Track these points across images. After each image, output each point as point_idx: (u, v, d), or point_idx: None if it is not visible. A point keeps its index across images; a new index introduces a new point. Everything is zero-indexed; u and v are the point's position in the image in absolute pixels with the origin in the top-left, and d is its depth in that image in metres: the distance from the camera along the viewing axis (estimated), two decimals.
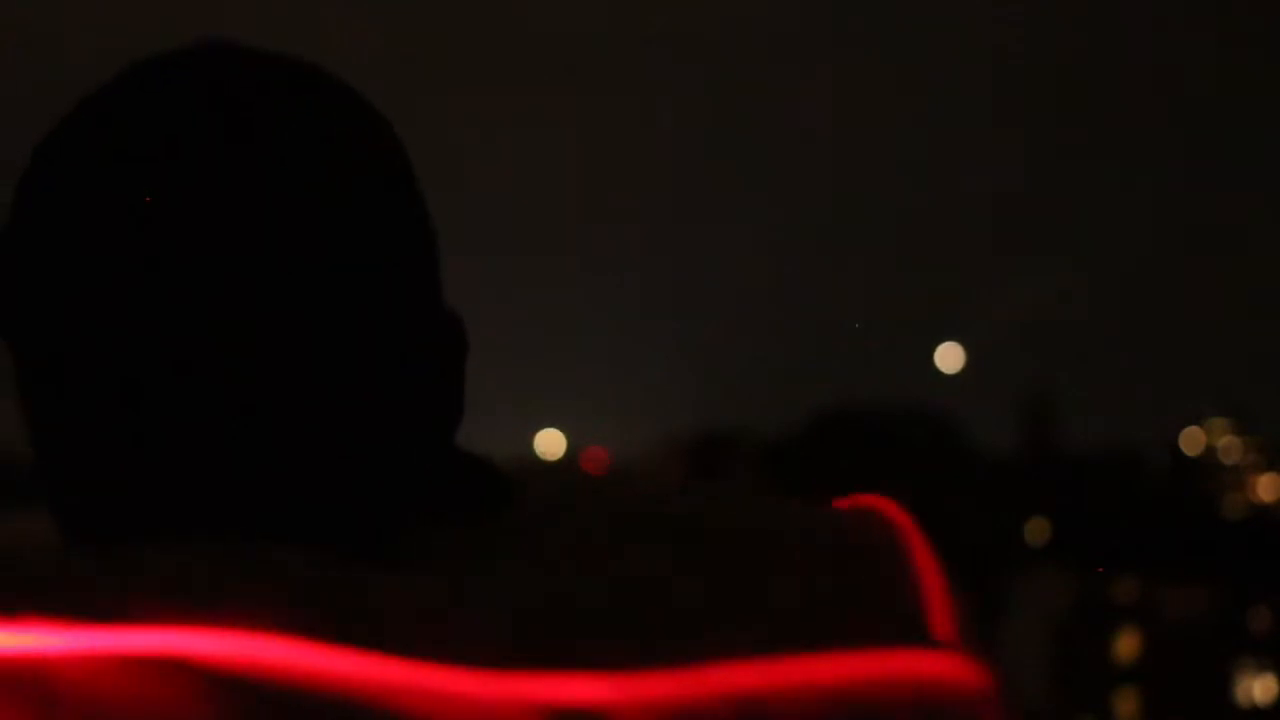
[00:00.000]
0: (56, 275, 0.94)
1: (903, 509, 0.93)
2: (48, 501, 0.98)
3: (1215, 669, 30.31)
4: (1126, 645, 30.81)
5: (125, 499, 0.93)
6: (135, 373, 0.92)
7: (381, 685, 0.81)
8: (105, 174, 0.94)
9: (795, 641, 0.82)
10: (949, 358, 36.04)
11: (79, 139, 0.97)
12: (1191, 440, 43.71)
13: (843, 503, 0.96)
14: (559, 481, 0.97)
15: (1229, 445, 43.75)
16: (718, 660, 0.81)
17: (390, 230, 0.96)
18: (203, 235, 0.92)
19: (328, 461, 0.93)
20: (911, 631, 0.85)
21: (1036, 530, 33.23)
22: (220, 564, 0.85)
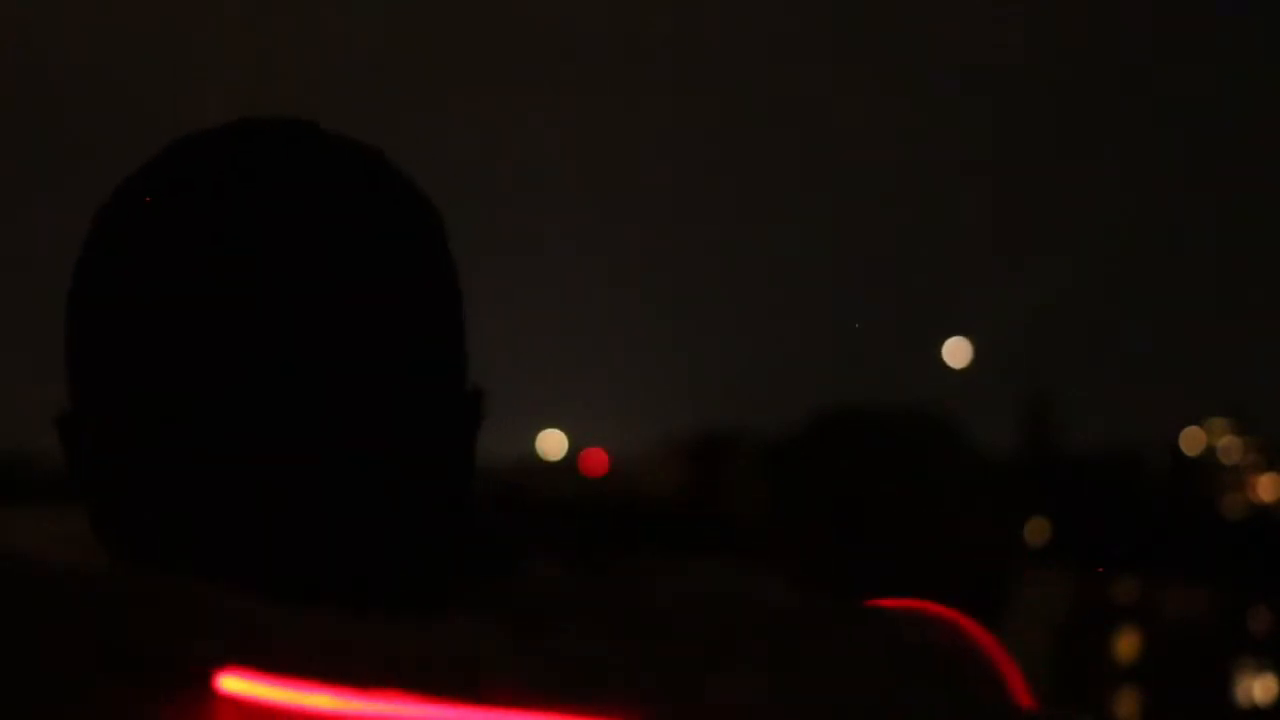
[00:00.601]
0: (118, 345, 1.03)
1: (958, 612, 1.02)
2: (94, 528, 1.05)
3: (1215, 669, 30.29)
4: (1126, 645, 30.80)
5: (169, 554, 1.01)
6: (179, 448, 1.01)
7: None
8: (159, 262, 1.02)
9: None
10: (956, 353, 36.02)
11: (133, 222, 1.04)
12: (1191, 440, 43.69)
13: (892, 603, 1.03)
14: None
15: (1229, 445, 43.73)
16: None
17: (421, 318, 1.05)
18: (249, 321, 1.00)
19: (350, 524, 1.01)
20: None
21: (1036, 530, 33.23)
22: (549, 648, 0.91)
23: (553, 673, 0.89)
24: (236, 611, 0.90)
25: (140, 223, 1.04)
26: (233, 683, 0.88)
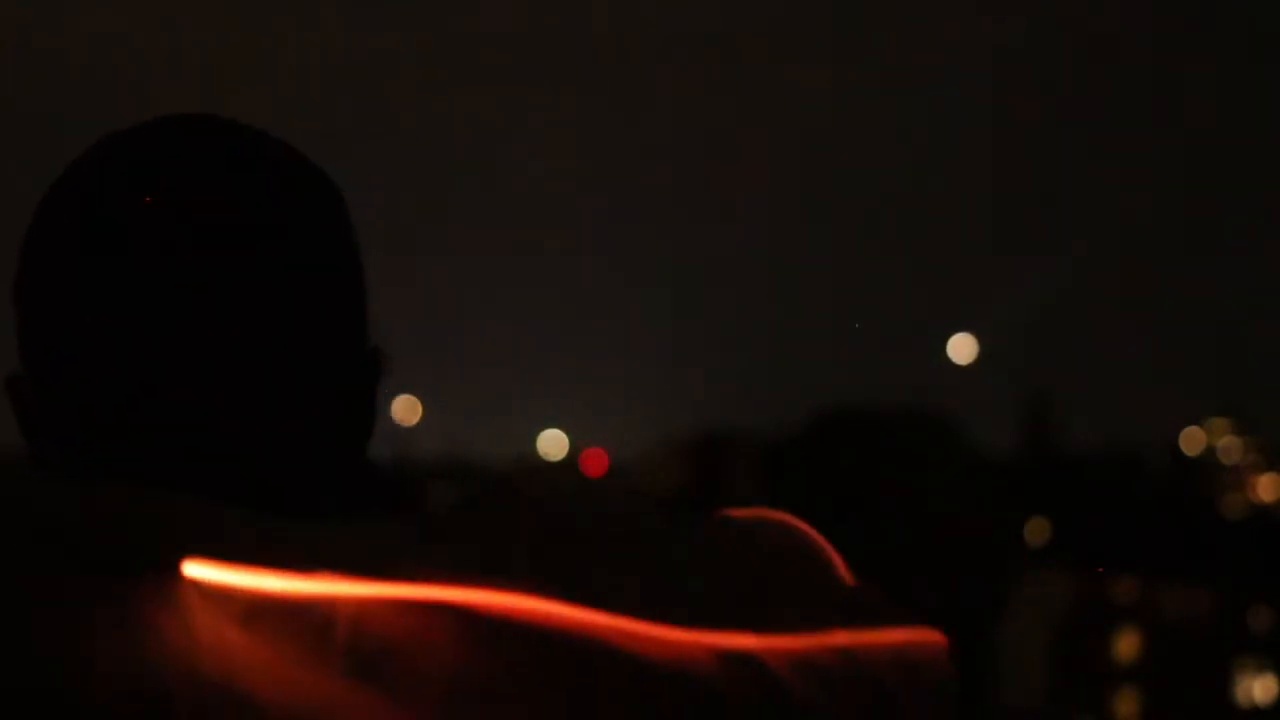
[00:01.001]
0: (59, 313, 1.17)
1: (797, 519, 1.18)
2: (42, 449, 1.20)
3: (1215, 669, 30.31)
4: (1126, 645, 30.82)
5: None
6: (115, 402, 1.15)
7: (601, 628, 1.04)
8: (90, 241, 1.17)
9: (851, 617, 1.10)
10: (961, 349, 36.01)
11: (66, 211, 1.19)
12: (1191, 440, 43.73)
13: (741, 513, 1.19)
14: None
15: (1229, 445, 43.77)
16: (812, 624, 1.08)
17: (323, 284, 1.20)
18: (171, 291, 1.15)
19: (266, 466, 1.16)
20: (896, 611, 1.13)
21: (1036, 530, 33.24)
22: (448, 534, 1.07)
23: (455, 559, 1.04)
24: (195, 511, 1.05)
25: (74, 210, 1.19)
26: (194, 569, 1.01)
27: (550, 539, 1.07)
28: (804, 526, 1.16)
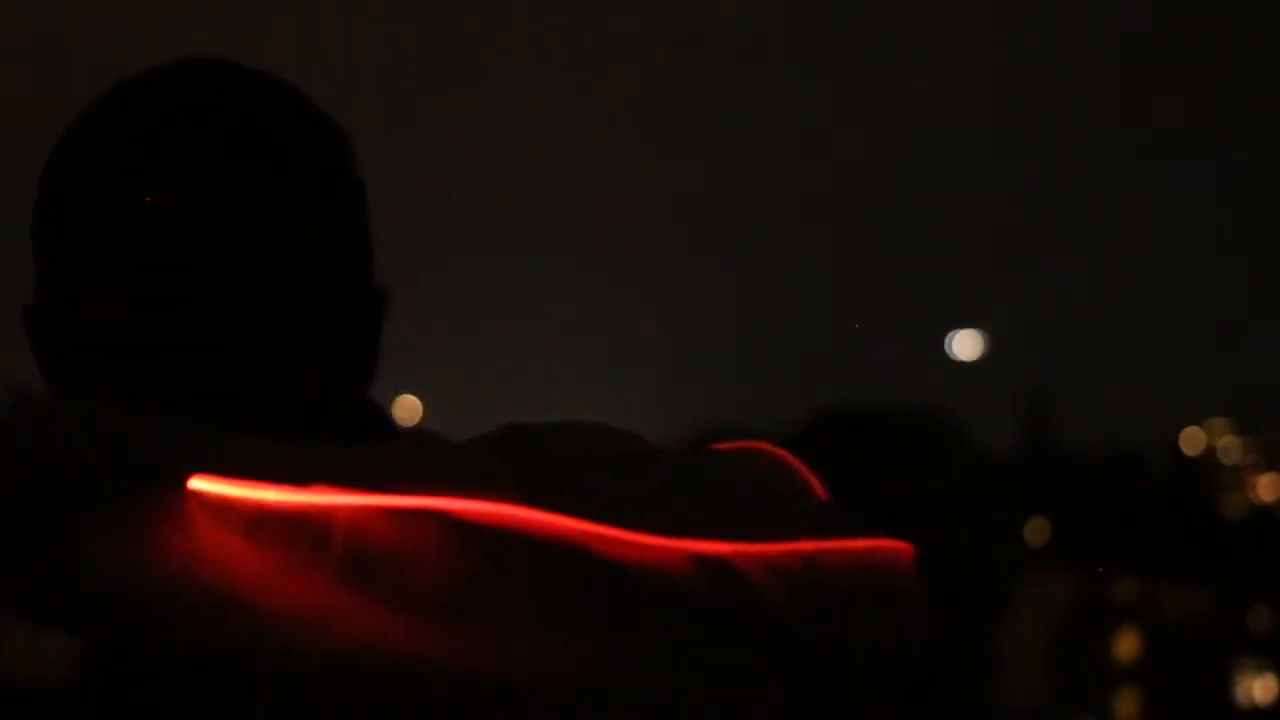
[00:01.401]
0: (75, 245, 1.23)
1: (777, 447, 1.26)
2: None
3: (1215, 669, 30.30)
4: (1126, 645, 30.81)
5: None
6: (128, 333, 1.22)
7: (581, 534, 1.10)
8: (104, 178, 1.23)
9: (818, 529, 1.17)
10: (965, 345, 35.98)
11: (80, 143, 1.26)
12: (1191, 440, 43.71)
13: (726, 446, 1.25)
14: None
15: (1229, 445, 43.74)
16: (782, 534, 1.15)
17: (327, 218, 1.25)
18: (183, 225, 1.21)
19: (272, 394, 1.22)
20: (863, 524, 1.21)
21: (1036, 530, 33.23)
22: (438, 453, 1.14)
23: (444, 472, 1.10)
24: (199, 431, 1.10)
25: (88, 142, 1.26)
26: (198, 483, 1.07)
27: (536, 458, 1.13)
28: (783, 453, 1.23)
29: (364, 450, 1.12)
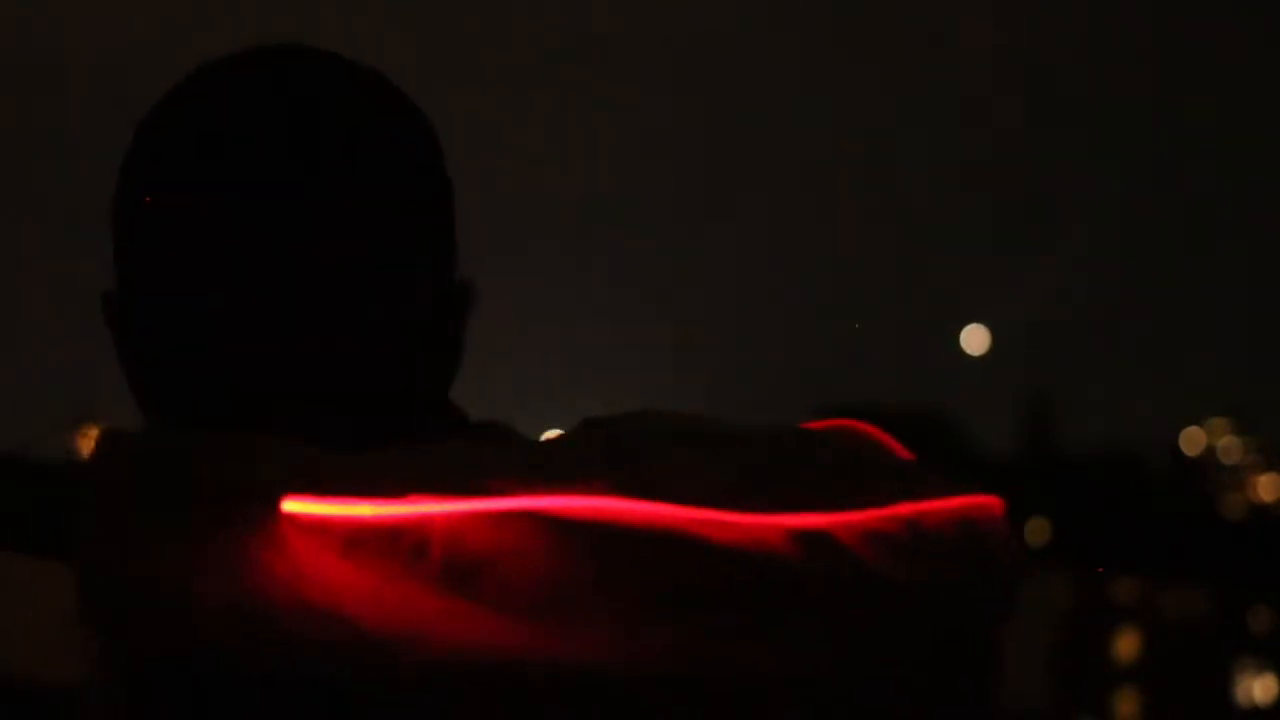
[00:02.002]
0: (157, 232, 1.20)
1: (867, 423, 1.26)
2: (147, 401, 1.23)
3: (1215, 669, 30.29)
4: (1126, 645, 30.80)
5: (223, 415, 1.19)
6: (211, 323, 1.19)
7: (677, 520, 1.10)
8: (190, 162, 1.20)
9: (910, 492, 1.17)
10: (974, 340, 35.96)
11: (162, 133, 1.22)
12: (1191, 440, 43.71)
13: (820, 424, 1.26)
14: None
15: (1229, 445, 43.75)
16: (878, 500, 1.16)
17: (419, 213, 1.22)
18: (271, 213, 1.18)
19: (358, 386, 1.20)
20: (954, 486, 1.21)
21: (1036, 530, 33.23)
22: (526, 451, 1.13)
23: (535, 470, 1.10)
24: (289, 451, 1.09)
25: (176, 130, 1.22)
26: (293, 504, 1.07)
27: (625, 448, 1.13)
28: (872, 428, 1.24)
29: (453, 452, 1.12)
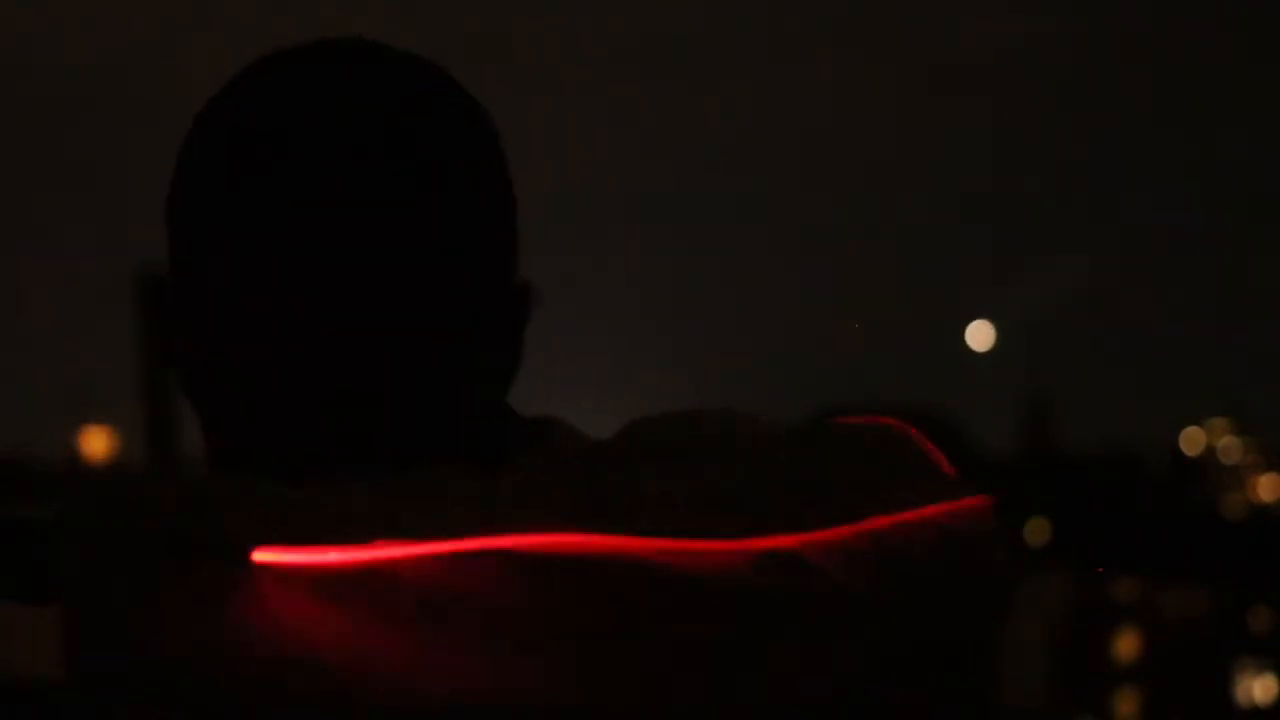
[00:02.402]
0: (213, 230, 1.18)
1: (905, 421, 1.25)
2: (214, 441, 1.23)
3: (1215, 669, 30.26)
4: (1126, 645, 30.77)
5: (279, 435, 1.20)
6: (265, 319, 1.17)
7: (644, 551, 1.09)
8: (240, 168, 1.17)
9: (885, 505, 1.17)
10: (979, 336, 35.95)
11: (219, 130, 1.20)
12: (1191, 440, 43.68)
13: (860, 419, 1.25)
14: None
15: (1229, 445, 43.71)
16: (850, 517, 1.15)
17: (483, 216, 1.21)
18: (329, 215, 1.16)
19: (414, 391, 1.19)
20: (945, 490, 1.21)
21: (1036, 530, 33.22)
22: (503, 486, 1.11)
23: (503, 504, 1.10)
24: (258, 499, 1.09)
25: (227, 129, 1.19)
26: (263, 555, 1.07)
27: (593, 473, 1.13)
28: (905, 426, 1.25)
29: (423, 488, 1.11)
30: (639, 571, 1.09)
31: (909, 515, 1.17)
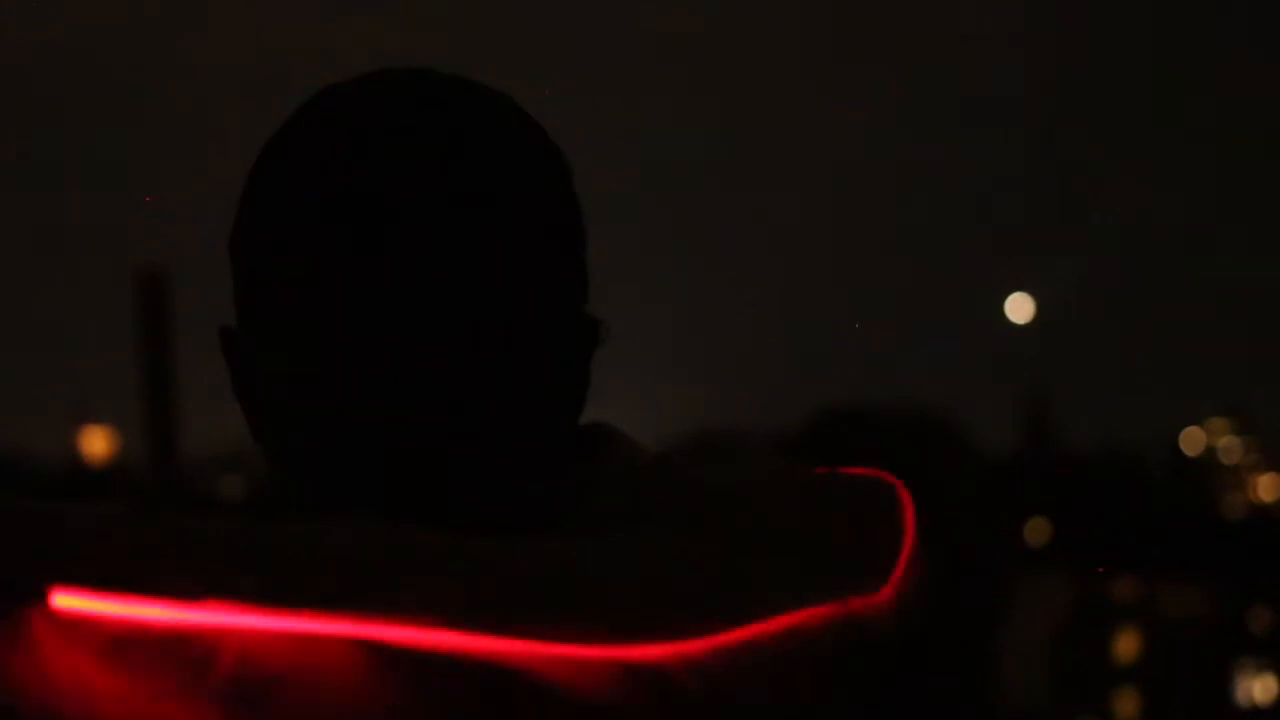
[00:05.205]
0: (276, 275, 1.13)
1: (902, 486, 1.19)
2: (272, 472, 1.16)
3: (1215, 669, 30.28)
4: (1126, 645, 30.78)
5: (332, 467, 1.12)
6: (331, 363, 1.11)
7: (503, 654, 1.01)
8: (312, 199, 1.12)
9: (777, 606, 1.10)
10: (1019, 308, 35.93)
11: (287, 170, 1.14)
12: (1191, 440, 43.68)
13: (856, 472, 1.19)
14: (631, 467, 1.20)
15: (1229, 445, 43.72)
16: (733, 623, 1.08)
17: (556, 248, 1.16)
18: (397, 258, 1.11)
19: (485, 435, 1.13)
20: (868, 582, 1.15)
21: (1036, 530, 33.21)
22: (384, 551, 1.02)
23: (366, 584, 1.00)
24: (74, 530, 0.97)
25: (295, 169, 1.14)
26: (66, 600, 0.94)
27: (473, 553, 1.04)
28: (893, 481, 1.19)
29: (299, 539, 1.02)
30: (497, 676, 1.01)
31: (798, 617, 1.10)
